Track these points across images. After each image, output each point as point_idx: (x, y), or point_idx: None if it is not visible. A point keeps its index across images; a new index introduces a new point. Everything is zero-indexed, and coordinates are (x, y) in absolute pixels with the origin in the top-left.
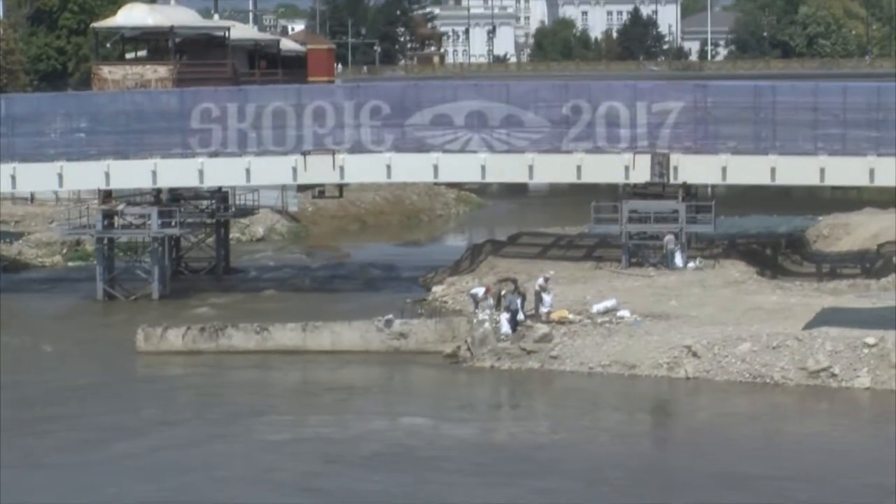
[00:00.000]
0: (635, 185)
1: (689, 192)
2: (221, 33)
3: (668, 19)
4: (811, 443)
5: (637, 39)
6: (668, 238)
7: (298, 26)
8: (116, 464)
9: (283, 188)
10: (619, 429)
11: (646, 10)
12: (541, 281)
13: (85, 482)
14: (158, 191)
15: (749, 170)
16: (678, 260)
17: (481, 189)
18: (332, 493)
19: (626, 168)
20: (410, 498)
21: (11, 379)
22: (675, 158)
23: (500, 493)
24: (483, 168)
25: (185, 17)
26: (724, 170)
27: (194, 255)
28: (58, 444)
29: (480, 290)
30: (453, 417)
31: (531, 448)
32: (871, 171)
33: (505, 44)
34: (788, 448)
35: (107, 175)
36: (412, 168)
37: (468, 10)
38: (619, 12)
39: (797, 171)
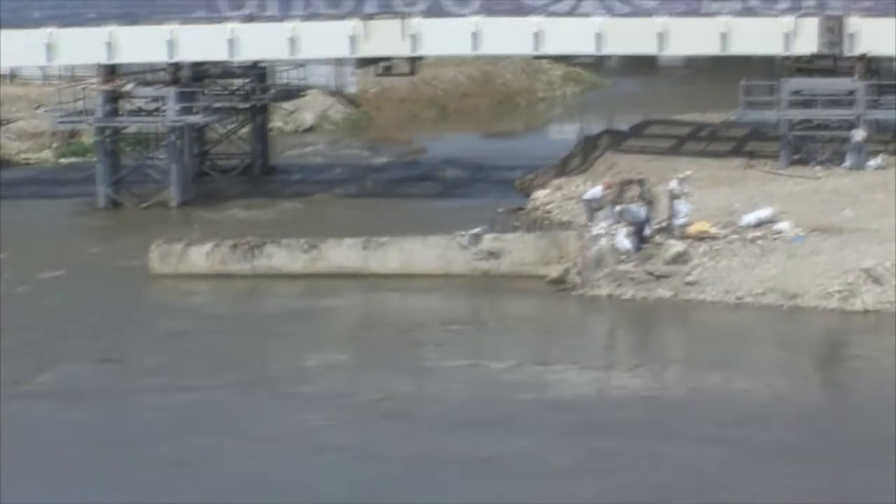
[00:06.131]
0: (799, 59)
1: (871, 67)
2: None
3: None
4: None
5: None
6: (856, 131)
7: None
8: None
9: (339, 63)
10: (779, 379)
11: None
12: (674, 184)
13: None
14: (177, 66)
15: None
16: (860, 157)
17: (597, 64)
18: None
19: (787, 35)
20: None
21: None
22: (853, 22)
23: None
24: (599, 36)
25: None
26: None
27: (223, 151)
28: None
29: (597, 192)
30: (563, 363)
31: (670, 404)
32: None
33: None
34: None
35: (109, 46)
36: (506, 37)
37: None
38: None
39: None
